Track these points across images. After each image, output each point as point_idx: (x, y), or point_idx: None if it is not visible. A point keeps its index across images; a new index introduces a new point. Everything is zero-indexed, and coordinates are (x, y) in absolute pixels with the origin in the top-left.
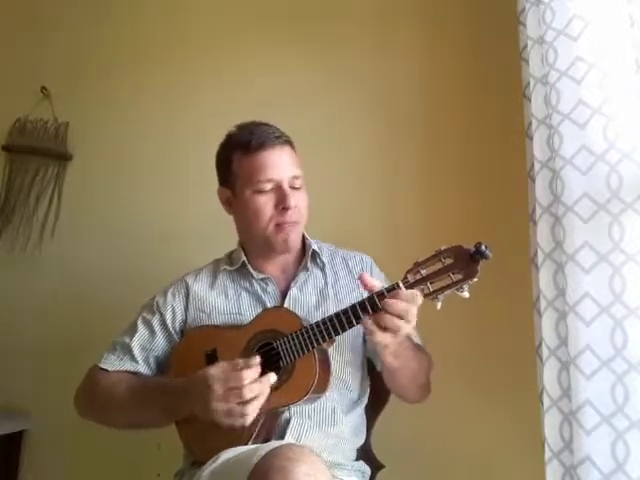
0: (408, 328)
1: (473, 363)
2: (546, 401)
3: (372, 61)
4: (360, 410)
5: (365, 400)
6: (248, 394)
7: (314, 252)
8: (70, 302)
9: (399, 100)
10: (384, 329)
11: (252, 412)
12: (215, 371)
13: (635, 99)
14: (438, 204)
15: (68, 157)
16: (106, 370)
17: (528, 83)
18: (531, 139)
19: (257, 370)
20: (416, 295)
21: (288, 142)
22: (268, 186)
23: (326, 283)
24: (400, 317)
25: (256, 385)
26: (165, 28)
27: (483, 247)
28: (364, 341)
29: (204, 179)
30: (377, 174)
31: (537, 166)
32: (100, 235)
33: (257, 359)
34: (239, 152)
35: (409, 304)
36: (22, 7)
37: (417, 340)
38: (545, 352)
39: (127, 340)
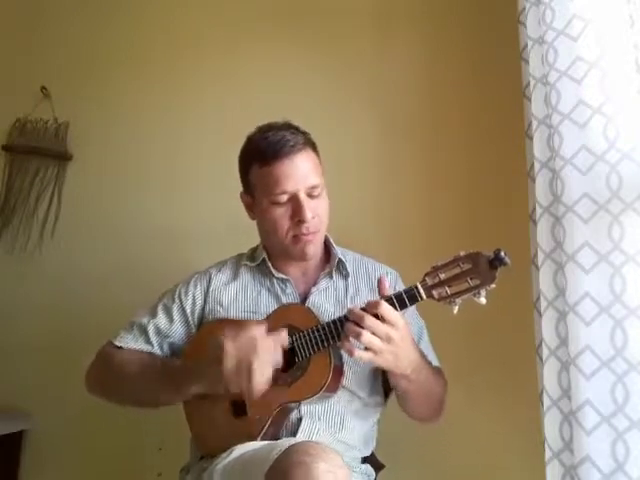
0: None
1: (473, 363)
2: (546, 401)
3: (372, 61)
4: (371, 421)
5: (377, 413)
6: (260, 347)
7: (339, 261)
8: (70, 302)
9: (399, 100)
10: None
11: (259, 369)
12: (227, 335)
13: (635, 99)
14: (438, 204)
15: (68, 157)
16: (120, 348)
17: (528, 83)
18: (531, 139)
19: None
20: (398, 319)
21: (306, 147)
22: (283, 198)
23: (346, 294)
24: (380, 337)
25: (269, 340)
26: (167, 29)
27: (502, 254)
28: None
29: (206, 179)
30: (377, 174)
31: (537, 166)
32: (100, 235)
33: None
34: (255, 162)
35: (390, 327)
36: (22, 7)
37: (435, 362)
38: (545, 352)
39: (145, 322)
